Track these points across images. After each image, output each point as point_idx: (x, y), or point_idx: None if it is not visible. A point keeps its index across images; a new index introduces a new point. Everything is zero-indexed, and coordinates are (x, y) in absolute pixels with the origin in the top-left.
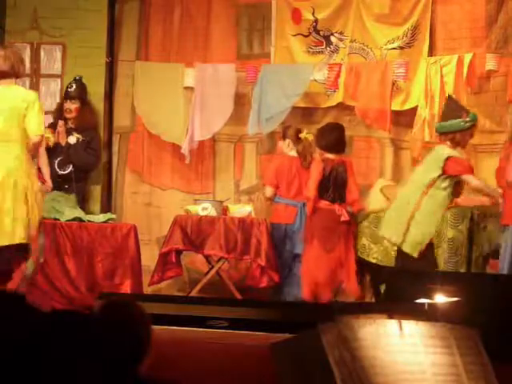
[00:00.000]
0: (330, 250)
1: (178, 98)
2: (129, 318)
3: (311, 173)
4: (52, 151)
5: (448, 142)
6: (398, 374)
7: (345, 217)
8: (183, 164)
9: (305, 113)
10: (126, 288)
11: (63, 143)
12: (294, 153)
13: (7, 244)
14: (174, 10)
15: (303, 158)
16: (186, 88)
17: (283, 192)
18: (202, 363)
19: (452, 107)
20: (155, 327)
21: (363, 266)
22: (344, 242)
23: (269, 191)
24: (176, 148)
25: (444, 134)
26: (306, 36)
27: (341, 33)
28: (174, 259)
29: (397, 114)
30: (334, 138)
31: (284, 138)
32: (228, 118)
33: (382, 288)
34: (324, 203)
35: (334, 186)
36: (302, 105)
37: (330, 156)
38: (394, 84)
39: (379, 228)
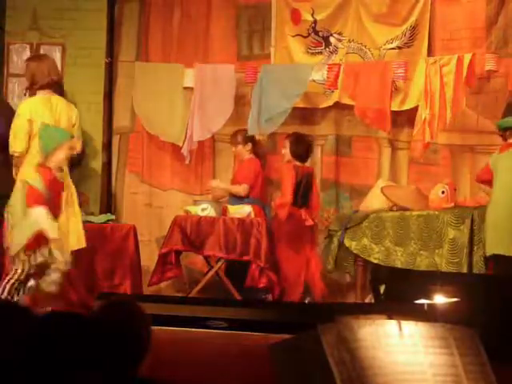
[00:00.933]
0: (295, 251)
1: (177, 99)
2: (129, 318)
3: (284, 178)
4: None
5: None
6: (398, 375)
7: (309, 221)
8: (183, 164)
9: (304, 113)
10: (126, 288)
11: None
12: (252, 156)
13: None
14: (173, 10)
15: (263, 160)
16: (186, 88)
17: (257, 193)
18: (202, 363)
19: None
20: (155, 327)
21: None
22: (309, 244)
23: (246, 190)
24: (176, 148)
25: (510, 130)
26: (305, 37)
27: (340, 33)
28: (173, 260)
29: (395, 114)
30: (302, 147)
31: (244, 142)
32: (228, 119)
33: (382, 288)
34: (292, 208)
35: (302, 192)
36: (301, 105)
37: (298, 163)
38: (392, 84)
39: (487, 248)
